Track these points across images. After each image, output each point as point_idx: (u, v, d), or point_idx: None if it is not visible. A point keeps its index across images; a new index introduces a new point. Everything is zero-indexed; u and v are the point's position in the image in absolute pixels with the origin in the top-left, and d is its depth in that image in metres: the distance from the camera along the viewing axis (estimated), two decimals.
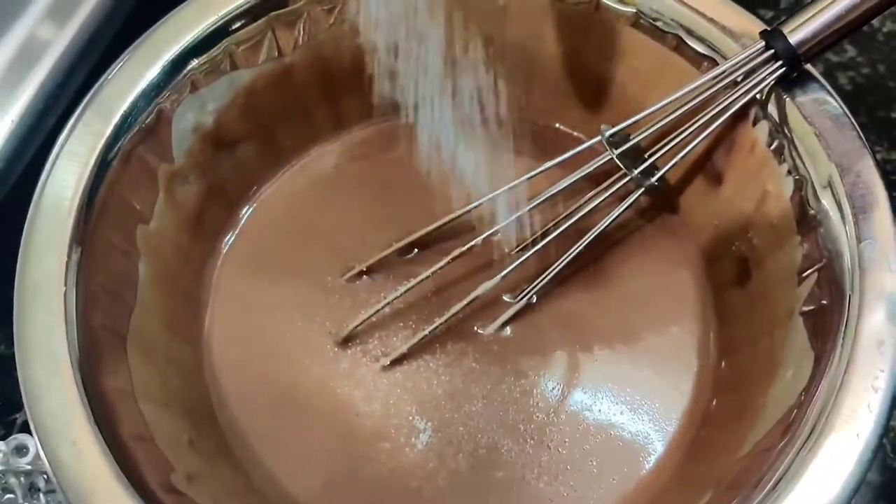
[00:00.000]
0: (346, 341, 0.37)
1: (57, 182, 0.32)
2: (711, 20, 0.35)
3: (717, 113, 0.34)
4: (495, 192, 0.36)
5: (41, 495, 0.34)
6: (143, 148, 0.34)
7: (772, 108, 0.34)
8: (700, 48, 0.35)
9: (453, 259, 0.37)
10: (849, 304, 0.30)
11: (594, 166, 0.36)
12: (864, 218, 0.31)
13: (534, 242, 0.37)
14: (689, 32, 0.35)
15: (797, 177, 0.33)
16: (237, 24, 0.35)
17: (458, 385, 0.36)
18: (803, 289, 0.33)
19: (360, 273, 0.38)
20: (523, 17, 0.38)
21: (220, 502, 0.31)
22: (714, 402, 0.36)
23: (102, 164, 0.33)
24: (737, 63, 0.34)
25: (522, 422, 0.36)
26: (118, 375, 0.31)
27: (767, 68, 0.33)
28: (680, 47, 0.36)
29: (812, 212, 0.32)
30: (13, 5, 0.41)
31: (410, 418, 0.36)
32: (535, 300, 0.38)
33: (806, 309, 0.32)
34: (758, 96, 0.34)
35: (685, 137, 0.35)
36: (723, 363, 0.37)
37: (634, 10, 0.36)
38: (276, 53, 0.37)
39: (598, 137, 0.35)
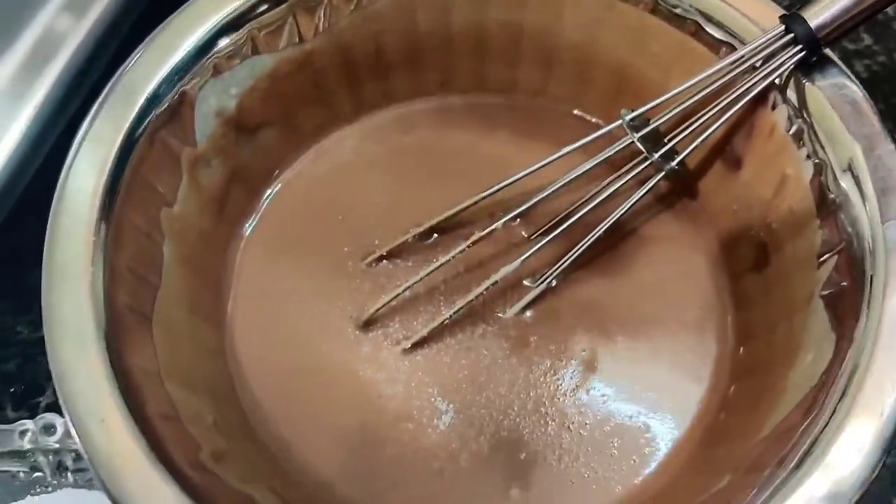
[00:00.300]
0: (368, 325, 0.37)
1: (82, 165, 0.32)
2: (730, 5, 0.35)
3: (736, 97, 0.34)
4: (514, 177, 0.37)
5: (69, 473, 0.34)
6: (167, 132, 0.35)
7: (791, 93, 0.34)
8: (718, 34, 0.35)
9: (473, 243, 0.37)
10: (870, 285, 0.30)
11: (614, 150, 0.36)
12: (885, 201, 0.31)
13: (553, 227, 0.37)
14: (708, 18, 0.35)
15: (817, 161, 0.33)
16: (260, 9, 0.35)
17: (480, 368, 0.36)
18: (823, 272, 0.33)
19: (381, 257, 0.38)
20: (543, 3, 0.38)
21: (245, 481, 0.32)
22: (733, 388, 0.36)
23: (127, 148, 0.33)
24: (756, 48, 0.34)
25: (543, 404, 0.36)
26: (144, 355, 0.32)
27: (787, 52, 0.33)
28: (698, 33, 0.36)
29: (832, 195, 0.32)
30: None
31: (432, 400, 0.36)
32: (554, 284, 0.38)
33: (826, 292, 0.32)
34: (777, 81, 0.34)
35: (704, 122, 0.35)
36: (741, 349, 0.37)
37: None
38: (297, 39, 0.37)
39: (619, 121, 0.36)
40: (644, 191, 0.37)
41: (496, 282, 0.37)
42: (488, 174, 0.38)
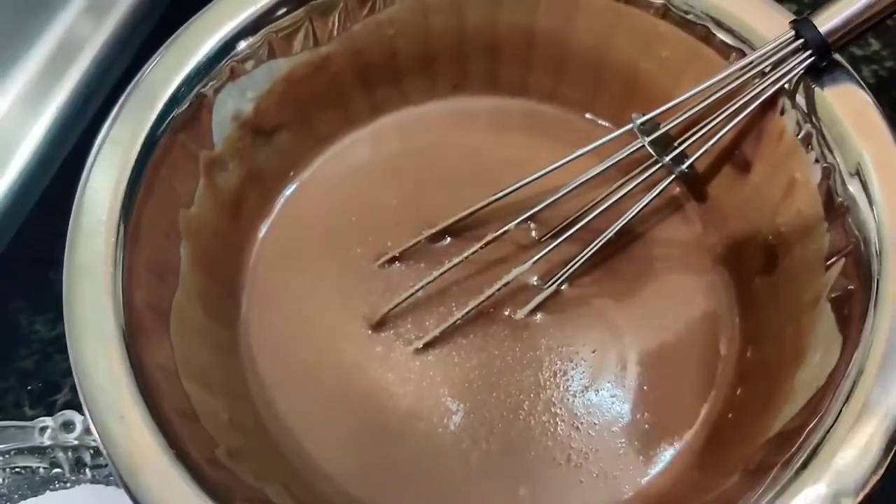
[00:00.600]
0: (380, 325, 0.38)
1: (102, 166, 0.33)
2: (740, 11, 0.35)
3: (745, 102, 0.35)
4: (526, 180, 0.37)
5: (87, 469, 0.35)
6: (185, 135, 0.35)
7: (800, 98, 0.34)
8: (729, 39, 0.36)
9: (485, 245, 0.37)
10: (877, 287, 0.30)
11: (625, 154, 0.36)
12: (892, 205, 0.31)
13: (564, 230, 0.38)
14: (718, 23, 0.36)
15: (825, 165, 0.33)
16: (277, 13, 0.36)
17: (490, 368, 0.37)
18: (830, 275, 0.33)
19: (393, 258, 0.39)
20: (555, 7, 0.38)
21: (260, 478, 0.32)
22: (740, 389, 0.36)
23: (146, 150, 0.34)
24: (766, 53, 0.34)
25: (553, 404, 0.36)
26: (162, 353, 0.32)
27: (796, 58, 0.34)
28: (709, 38, 0.36)
29: (840, 199, 0.33)
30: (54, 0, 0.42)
31: (444, 400, 0.36)
32: (565, 286, 0.38)
33: (833, 295, 0.33)
34: (786, 86, 0.34)
35: (714, 126, 0.35)
36: (749, 350, 0.37)
37: (663, 2, 0.36)
38: (313, 43, 0.38)
39: (630, 125, 0.36)
40: (654, 194, 0.37)
41: (507, 283, 0.37)
42: (500, 177, 0.38)
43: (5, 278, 0.41)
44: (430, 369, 0.37)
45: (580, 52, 0.40)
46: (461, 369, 0.37)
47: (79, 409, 0.29)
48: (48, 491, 0.35)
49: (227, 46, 0.35)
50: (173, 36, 0.35)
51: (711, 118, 0.35)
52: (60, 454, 0.35)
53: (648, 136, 0.36)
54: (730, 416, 0.36)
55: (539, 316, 0.38)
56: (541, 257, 0.37)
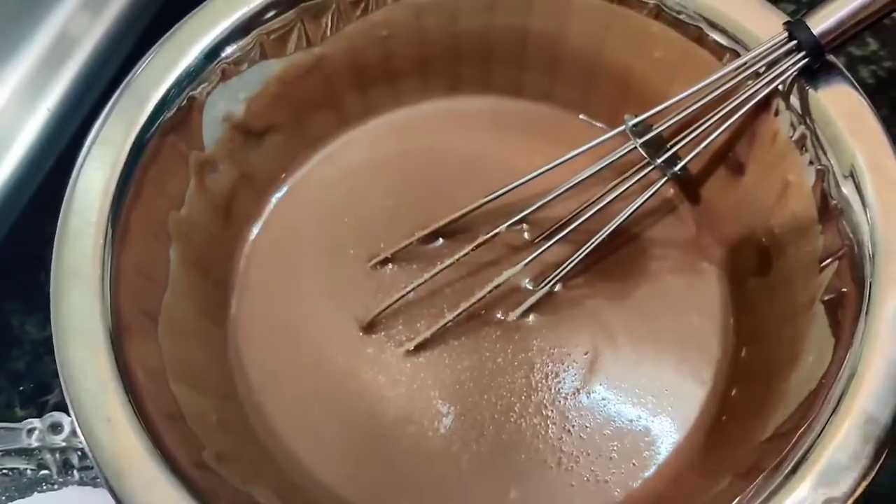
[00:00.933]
0: (371, 327, 0.38)
1: (92, 167, 0.33)
2: (733, 12, 0.35)
3: (739, 103, 0.34)
4: (519, 182, 0.37)
5: (75, 471, 0.35)
6: (175, 136, 0.35)
7: (794, 99, 0.34)
8: (722, 40, 0.35)
9: (477, 247, 0.37)
10: (869, 290, 0.30)
11: (618, 155, 0.36)
12: (886, 207, 0.31)
13: (556, 231, 0.37)
14: (712, 24, 0.36)
15: (819, 167, 0.33)
16: (268, 15, 0.36)
17: (481, 370, 0.37)
18: (824, 277, 0.33)
19: (386, 260, 0.39)
20: (548, 8, 0.38)
21: (247, 482, 0.32)
22: (735, 391, 0.36)
23: (136, 151, 0.34)
24: (759, 54, 0.34)
25: (545, 406, 0.36)
26: (150, 355, 0.32)
27: (790, 59, 0.33)
28: (702, 38, 0.36)
29: (833, 201, 0.33)
30: None
31: (434, 402, 0.36)
32: (557, 288, 0.38)
33: (827, 297, 0.32)
34: (780, 87, 0.34)
35: (707, 127, 0.35)
36: (743, 352, 0.37)
37: (656, 2, 0.36)
38: (305, 44, 0.37)
39: (622, 127, 0.36)
40: (647, 196, 0.37)
41: (499, 285, 0.37)
42: (493, 178, 0.38)
43: None
44: (421, 371, 0.37)
45: (574, 53, 0.39)
46: (452, 371, 0.37)
47: (68, 411, 0.29)
48: (36, 493, 0.35)
49: (218, 48, 0.35)
50: (164, 37, 0.35)
51: (705, 119, 0.35)
52: (48, 456, 0.35)
53: (641, 137, 0.36)
54: (723, 418, 0.36)
55: (531, 317, 0.38)
56: (533, 259, 0.37)
